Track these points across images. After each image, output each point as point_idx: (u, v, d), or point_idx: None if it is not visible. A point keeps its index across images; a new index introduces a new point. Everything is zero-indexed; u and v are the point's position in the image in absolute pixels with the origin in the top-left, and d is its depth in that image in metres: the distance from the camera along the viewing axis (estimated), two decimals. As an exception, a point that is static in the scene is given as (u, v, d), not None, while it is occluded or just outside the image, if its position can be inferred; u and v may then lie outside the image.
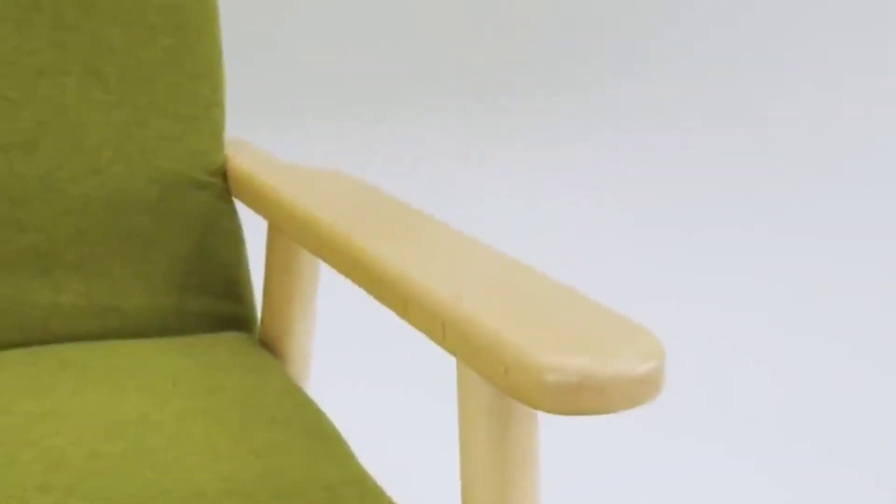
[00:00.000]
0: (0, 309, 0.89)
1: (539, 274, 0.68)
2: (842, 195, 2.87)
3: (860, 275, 2.32)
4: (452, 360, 1.83)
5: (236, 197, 0.97)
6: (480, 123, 3.33)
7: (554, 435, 1.63)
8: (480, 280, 0.66)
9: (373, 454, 1.55)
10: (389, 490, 1.42)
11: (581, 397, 0.56)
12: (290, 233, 0.85)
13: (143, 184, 0.93)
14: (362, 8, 3.77)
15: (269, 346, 0.96)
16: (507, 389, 0.58)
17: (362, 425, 1.64)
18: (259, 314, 1.00)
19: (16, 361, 0.85)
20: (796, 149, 3.23)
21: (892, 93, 3.56)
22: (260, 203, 0.91)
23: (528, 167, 2.96)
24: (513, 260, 0.70)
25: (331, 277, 2.11)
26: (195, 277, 0.96)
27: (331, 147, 3.03)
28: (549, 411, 0.56)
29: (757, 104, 3.59)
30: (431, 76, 3.63)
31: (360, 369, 1.83)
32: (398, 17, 3.82)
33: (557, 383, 0.55)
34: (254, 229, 1.28)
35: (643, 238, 2.50)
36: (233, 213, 0.98)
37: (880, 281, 2.29)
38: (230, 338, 0.94)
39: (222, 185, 0.97)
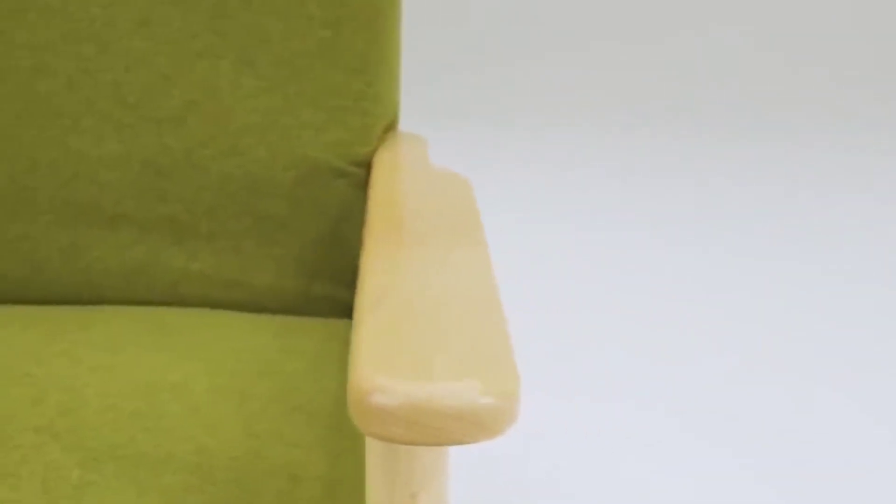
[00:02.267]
0: (134, 269, 0.97)
1: (493, 303, 0.65)
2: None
3: (868, 279, 2.22)
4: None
5: (373, 189, 0.99)
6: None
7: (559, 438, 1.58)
8: (422, 299, 0.64)
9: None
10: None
11: (392, 425, 0.53)
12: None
13: (282, 169, 0.97)
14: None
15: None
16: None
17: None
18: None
19: (125, 317, 0.92)
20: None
21: None
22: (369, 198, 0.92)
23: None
24: (489, 291, 0.67)
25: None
26: (325, 263, 0.99)
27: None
28: (369, 435, 0.54)
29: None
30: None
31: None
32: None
33: (370, 407, 0.53)
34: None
35: (652, 237, 2.43)
36: (373, 204, 1.00)
37: (887, 286, 2.18)
38: (345, 325, 0.96)
39: (365, 176, 0.99)
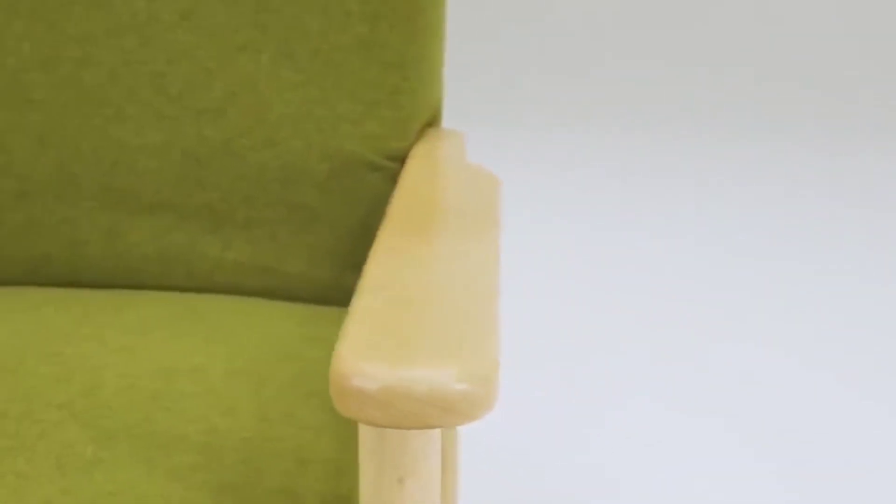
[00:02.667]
0: (173, 254, 1.00)
1: (488, 296, 0.66)
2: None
3: (869, 278, 2.23)
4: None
5: (407, 183, 1.00)
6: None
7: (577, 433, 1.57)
8: (418, 289, 0.66)
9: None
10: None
11: (369, 408, 0.54)
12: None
13: (317, 160, 0.99)
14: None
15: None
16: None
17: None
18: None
19: (159, 302, 0.95)
20: None
21: None
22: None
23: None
24: (487, 284, 0.68)
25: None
26: (356, 254, 1.01)
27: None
28: (347, 416, 0.55)
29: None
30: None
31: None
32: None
33: (348, 389, 0.54)
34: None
35: (652, 236, 2.42)
36: (407, 198, 1.01)
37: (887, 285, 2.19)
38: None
39: (399, 170, 1.01)
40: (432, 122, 1.07)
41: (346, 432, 0.77)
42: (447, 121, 3.14)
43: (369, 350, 0.56)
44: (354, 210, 1.00)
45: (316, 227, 1.00)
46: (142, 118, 0.99)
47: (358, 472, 0.74)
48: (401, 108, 1.01)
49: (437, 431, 0.62)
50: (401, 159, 1.01)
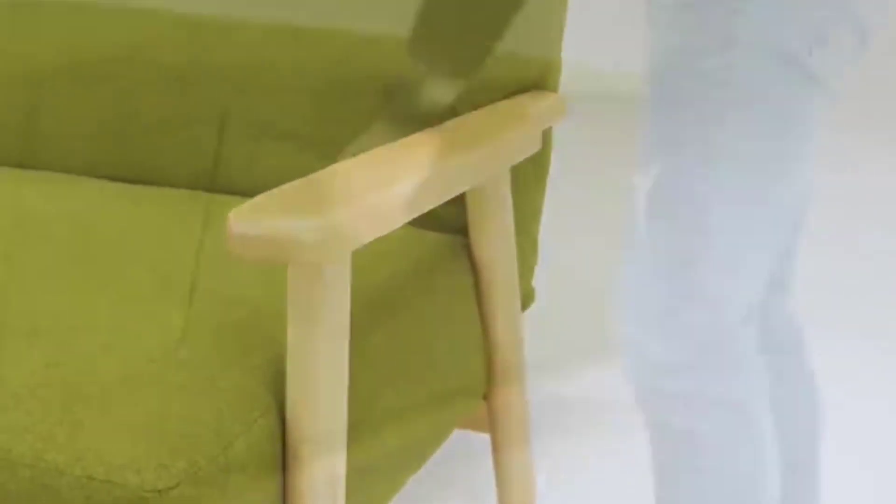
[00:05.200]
0: (294, 175, 1.22)
1: (388, 188, 0.84)
2: None
3: None
4: None
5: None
6: None
7: None
8: (343, 177, 0.85)
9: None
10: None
11: (240, 245, 0.75)
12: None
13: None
14: None
15: (474, 256, 1.17)
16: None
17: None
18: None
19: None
20: None
21: None
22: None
23: None
24: (400, 180, 0.86)
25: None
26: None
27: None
28: (231, 252, 0.76)
29: None
30: None
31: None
32: None
33: (229, 232, 0.75)
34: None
35: None
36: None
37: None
38: (437, 239, 1.17)
39: None
40: (540, 84, 1.24)
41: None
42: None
43: (255, 207, 0.76)
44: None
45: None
46: (285, 66, 1.24)
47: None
48: (489, 70, 1.19)
49: (339, 276, 0.80)
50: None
